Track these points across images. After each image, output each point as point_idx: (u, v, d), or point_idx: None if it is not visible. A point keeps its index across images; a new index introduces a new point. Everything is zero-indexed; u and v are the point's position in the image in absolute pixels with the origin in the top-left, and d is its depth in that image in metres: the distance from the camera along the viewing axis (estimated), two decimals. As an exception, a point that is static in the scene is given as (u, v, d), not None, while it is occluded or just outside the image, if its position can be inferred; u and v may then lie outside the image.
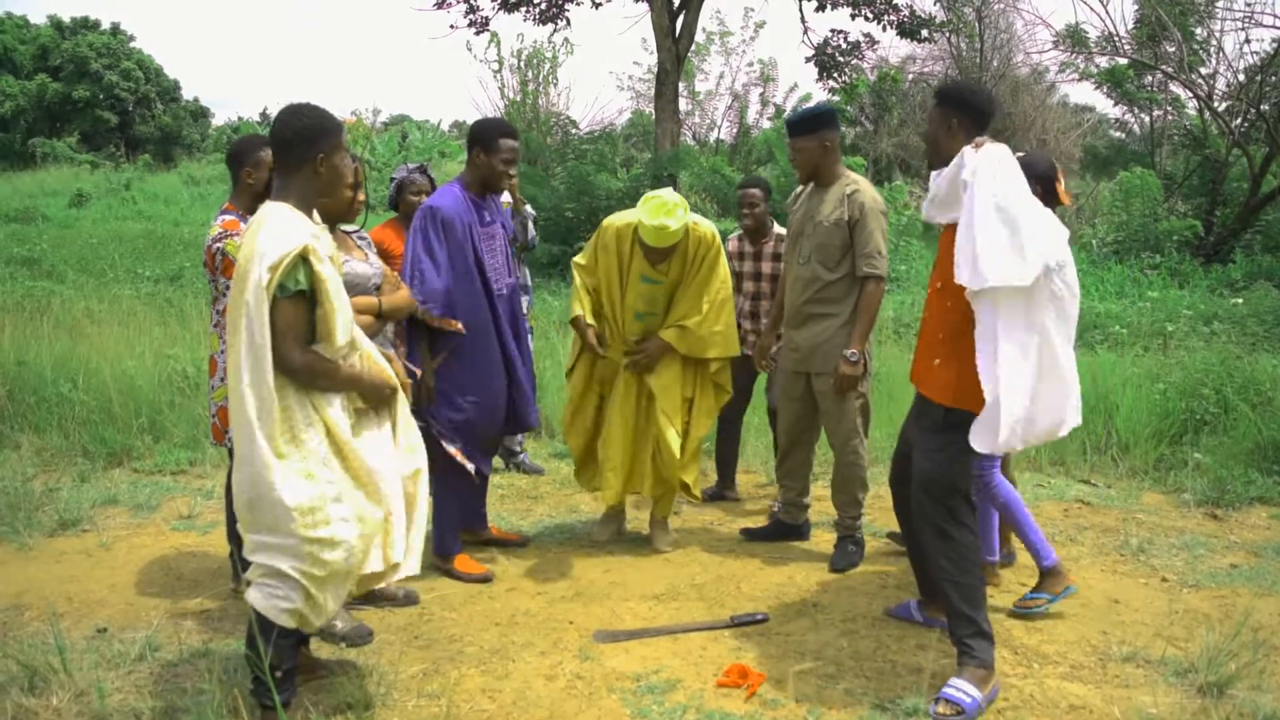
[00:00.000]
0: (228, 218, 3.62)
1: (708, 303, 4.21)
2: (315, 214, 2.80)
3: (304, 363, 2.64)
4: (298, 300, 2.63)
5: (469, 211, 3.95)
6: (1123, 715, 2.99)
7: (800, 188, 4.42)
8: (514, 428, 4.31)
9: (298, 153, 2.69)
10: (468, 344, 3.94)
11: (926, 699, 3.02)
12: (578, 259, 4.34)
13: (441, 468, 3.91)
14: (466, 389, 3.96)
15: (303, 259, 2.61)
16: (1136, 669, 3.31)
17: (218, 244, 3.54)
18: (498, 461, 5.65)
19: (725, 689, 3.14)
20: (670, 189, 4.16)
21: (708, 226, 4.21)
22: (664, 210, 3.95)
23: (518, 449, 5.67)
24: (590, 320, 4.26)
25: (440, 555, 4.08)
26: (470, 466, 4.01)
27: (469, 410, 3.98)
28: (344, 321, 2.72)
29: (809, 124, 4.18)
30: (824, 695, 3.11)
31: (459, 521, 4.17)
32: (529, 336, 4.67)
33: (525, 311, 5.24)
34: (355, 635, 3.31)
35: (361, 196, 3.51)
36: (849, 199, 4.14)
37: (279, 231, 2.61)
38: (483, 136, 3.99)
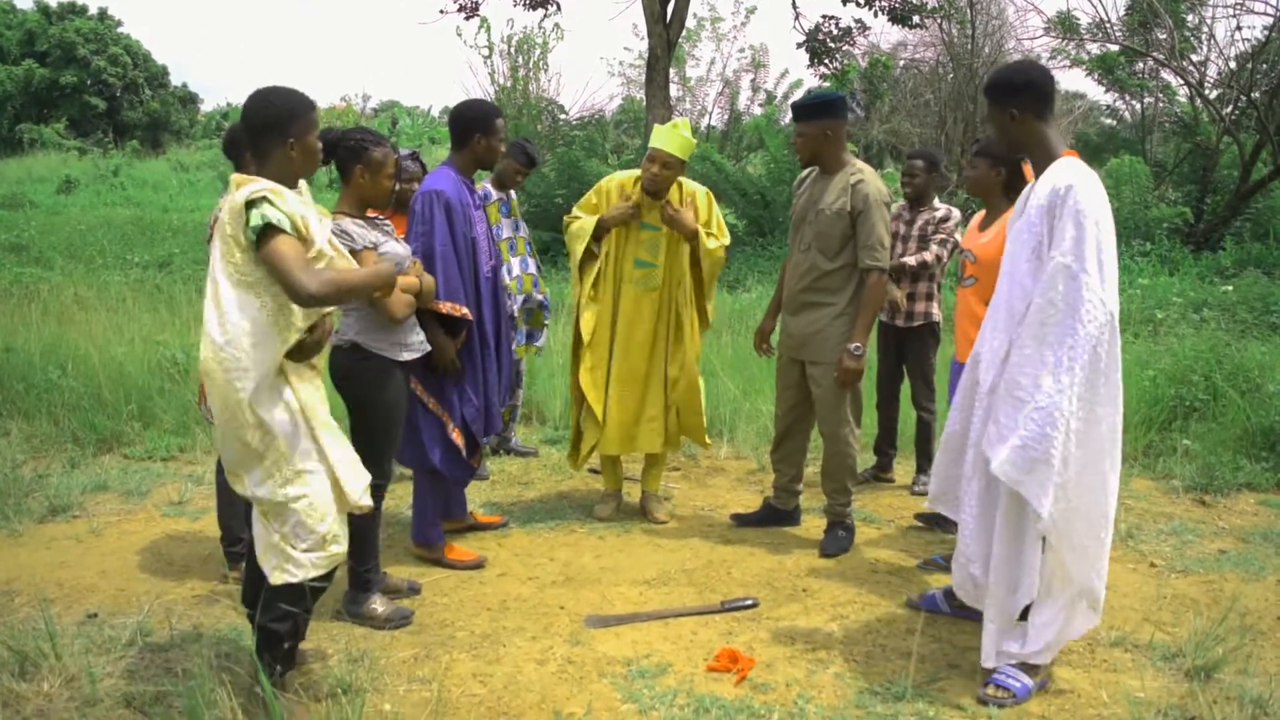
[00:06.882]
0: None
1: (717, 238, 4.44)
2: (301, 185, 2.78)
3: (321, 282, 2.55)
4: (288, 237, 2.56)
5: (466, 195, 3.93)
6: (1110, 699, 3.01)
7: (804, 172, 4.39)
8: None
9: (271, 137, 2.67)
10: (469, 333, 3.92)
11: (915, 683, 3.04)
12: (571, 213, 4.52)
13: (425, 461, 3.92)
14: (467, 380, 3.94)
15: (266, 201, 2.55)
16: (1124, 653, 3.33)
17: None
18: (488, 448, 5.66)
19: (716, 673, 3.15)
20: None
21: (699, 186, 4.50)
22: (674, 124, 4.36)
23: (509, 434, 5.66)
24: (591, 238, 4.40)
25: (425, 546, 4.07)
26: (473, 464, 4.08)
27: (474, 405, 3.95)
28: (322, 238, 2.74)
29: (811, 110, 4.12)
30: (814, 679, 3.13)
31: (441, 512, 4.16)
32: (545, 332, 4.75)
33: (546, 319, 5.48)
34: (397, 617, 3.47)
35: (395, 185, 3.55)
36: (853, 189, 4.08)
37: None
38: (481, 120, 3.91)
